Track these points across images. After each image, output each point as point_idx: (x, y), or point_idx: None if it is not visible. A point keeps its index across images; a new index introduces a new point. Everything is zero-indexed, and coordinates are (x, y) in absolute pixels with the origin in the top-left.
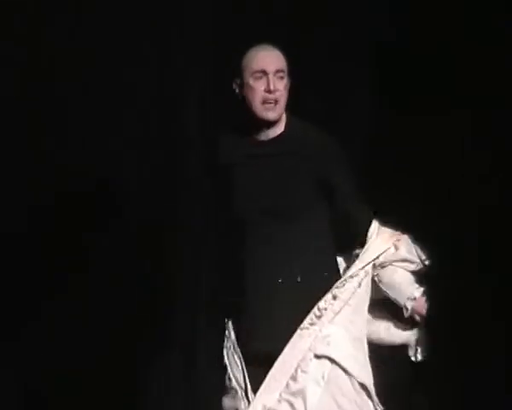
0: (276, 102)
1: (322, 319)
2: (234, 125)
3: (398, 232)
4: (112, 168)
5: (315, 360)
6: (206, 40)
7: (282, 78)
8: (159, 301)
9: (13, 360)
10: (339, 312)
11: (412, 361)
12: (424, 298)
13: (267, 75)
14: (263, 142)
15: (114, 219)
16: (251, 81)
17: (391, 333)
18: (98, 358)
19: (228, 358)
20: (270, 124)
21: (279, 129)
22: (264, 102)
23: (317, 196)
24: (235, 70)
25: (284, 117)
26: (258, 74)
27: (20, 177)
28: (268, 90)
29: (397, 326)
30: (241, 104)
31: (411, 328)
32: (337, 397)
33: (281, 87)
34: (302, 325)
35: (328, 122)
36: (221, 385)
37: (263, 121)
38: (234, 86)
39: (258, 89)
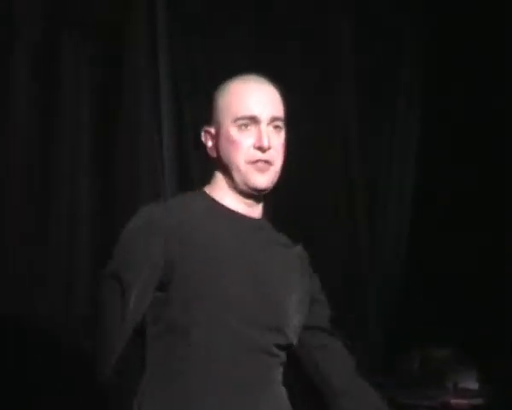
0: (268, 163)
1: None
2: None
3: None
4: None
5: None
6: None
7: (278, 128)
8: None
9: None
10: None
11: None
12: None
13: (258, 125)
14: (244, 216)
15: None
16: (232, 131)
17: None
18: None
19: None
20: (255, 196)
21: (257, 211)
22: (252, 161)
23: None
24: (209, 113)
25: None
26: (244, 122)
27: None
28: (259, 147)
29: None
30: (214, 165)
31: None
32: None
33: (276, 143)
34: None
35: None
36: None
37: (247, 190)
38: (204, 139)
39: (243, 143)
